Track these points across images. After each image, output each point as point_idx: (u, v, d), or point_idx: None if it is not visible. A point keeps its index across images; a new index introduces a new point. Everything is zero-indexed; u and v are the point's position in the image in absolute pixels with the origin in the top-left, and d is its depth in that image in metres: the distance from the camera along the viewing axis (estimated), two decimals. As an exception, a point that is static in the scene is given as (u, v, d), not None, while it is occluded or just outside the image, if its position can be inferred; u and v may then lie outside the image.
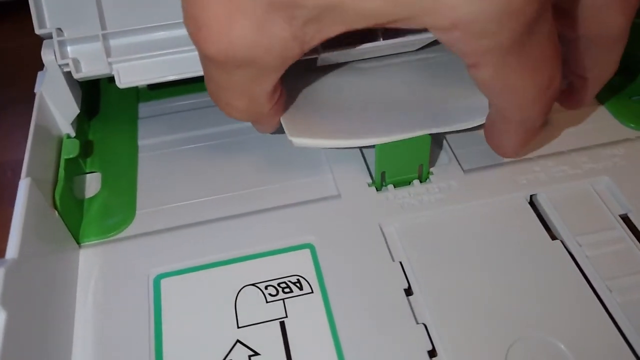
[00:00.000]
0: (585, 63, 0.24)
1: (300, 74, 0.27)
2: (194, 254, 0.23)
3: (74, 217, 0.24)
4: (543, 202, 0.25)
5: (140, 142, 0.28)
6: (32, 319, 0.18)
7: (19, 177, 0.20)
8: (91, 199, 0.26)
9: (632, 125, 0.28)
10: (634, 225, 0.24)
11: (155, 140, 0.29)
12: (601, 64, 0.24)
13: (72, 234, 0.23)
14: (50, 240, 0.22)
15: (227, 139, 0.29)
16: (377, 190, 0.26)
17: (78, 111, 0.25)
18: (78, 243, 0.24)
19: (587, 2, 0.21)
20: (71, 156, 0.24)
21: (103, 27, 0.24)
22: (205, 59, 0.20)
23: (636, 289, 0.22)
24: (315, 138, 0.24)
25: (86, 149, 0.28)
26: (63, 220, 0.23)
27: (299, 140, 0.24)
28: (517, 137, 0.24)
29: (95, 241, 0.24)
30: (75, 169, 0.26)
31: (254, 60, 0.19)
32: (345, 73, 0.28)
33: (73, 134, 0.26)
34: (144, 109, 0.30)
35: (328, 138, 0.24)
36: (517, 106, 0.21)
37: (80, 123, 0.27)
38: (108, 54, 0.24)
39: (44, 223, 0.21)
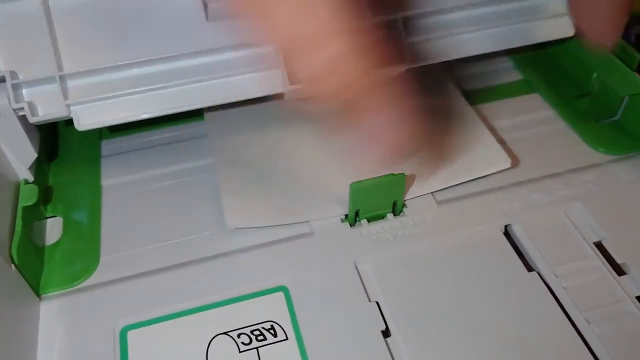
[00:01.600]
0: None
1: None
2: (161, 302, 0.22)
3: (33, 267, 0.23)
4: (518, 232, 0.25)
5: (104, 183, 0.27)
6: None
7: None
8: (52, 245, 0.25)
9: (602, 149, 0.28)
10: (609, 253, 0.24)
11: (119, 180, 0.27)
12: None
13: (31, 286, 0.22)
14: (7, 295, 0.20)
15: (194, 176, 0.28)
16: (350, 225, 0.25)
17: (36, 155, 0.24)
18: (38, 295, 0.23)
19: None
20: (29, 203, 0.23)
21: (60, 68, 0.23)
22: None
23: (614, 319, 0.22)
24: (254, 223, 0.24)
25: (47, 193, 0.26)
26: (21, 273, 0.21)
27: (238, 226, 0.24)
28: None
29: (57, 292, 0.23)
30: (34, 216, 0.24)
31: None
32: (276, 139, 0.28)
33: (31, 179, 0.25)
34: (106, 146, 0.29)
35: (267, 222, 0.25)
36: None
37: (40, 166, 0.26)
38: (65, 96, 0.23)
39: (2, 281, 0.20)
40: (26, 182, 0.24)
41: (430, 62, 0.27)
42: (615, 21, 0.23)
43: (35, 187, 0.24)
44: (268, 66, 0.24)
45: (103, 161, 0.28)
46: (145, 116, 0.24)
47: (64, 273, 0.24)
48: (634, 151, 0.28)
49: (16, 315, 0.21)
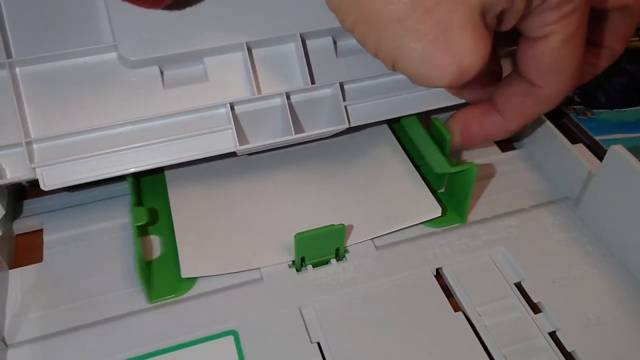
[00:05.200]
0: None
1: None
2: (118, 348, 0.24)
3: (146, 279, 0.26)
4: (448, 274, 0.28)
5: (47, 238, 0.29)
6: None
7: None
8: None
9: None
10: (527, 293, 0.27)
11: (62, 235, 0.29)
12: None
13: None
14: None
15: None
16: (297, 271, 0.27)
17: (4, 212, 0.26)
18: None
19: None
20: (141, 223, 0.27)
21: (26, 134, 0.25)
22: None
23: (529, 355, 0.24)
24: (207, 272, 0.27)
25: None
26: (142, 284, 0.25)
27: (191, 275, 0.26)
28: (531, 111, 0.27)
29: (22, 340, 0.25)
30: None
31: None
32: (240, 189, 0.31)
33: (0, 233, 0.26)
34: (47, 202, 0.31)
35: (219, 271, 0.27)
36: (558, 82, 0.25)
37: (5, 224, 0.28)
38: (31, 160, 0.25)
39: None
40: (135, 204, 0.28)
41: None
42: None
43: (144, 209, 0.27)
44: (220, 127, 0.27)
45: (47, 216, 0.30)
46: (105, 176, 0.26)
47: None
48: (451, 224, 0.30)
49: None
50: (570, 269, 0.28)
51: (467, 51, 0.21)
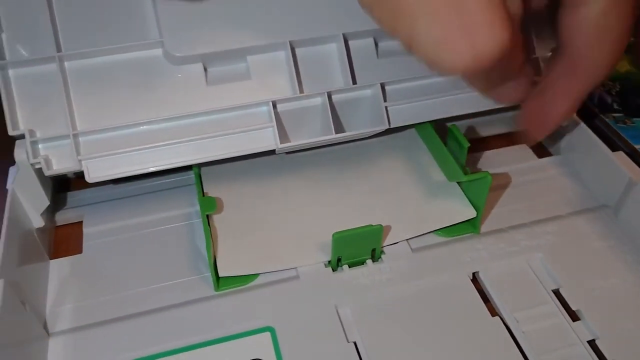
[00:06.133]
0: None
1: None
2: (155, 341, 0.25)
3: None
4: (484, 279, 0.27)
5: (86, 230, 0.30)
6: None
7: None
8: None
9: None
10: (565, 300, 0.27)
11: (102, 227, 0.30)
12: None
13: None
14: (22, 332, 0.23)
15: (180, 222, 0.30)
16: (333, 270, 0.28)
17: (48, 203, 0.27)
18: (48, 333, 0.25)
19: None
20: (210, 212, 0.27)
21: (73, 126, 0.25)
22: None
23: (568, 363, 0.24)
24: (244, 271, 0.27)
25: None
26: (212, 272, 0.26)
27: (228, 274, 0.26)
28: (576, 93, 0.25)
29: (63, 329, 0.25)
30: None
31: None
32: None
33: (42, 224, 0.27)
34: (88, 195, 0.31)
35: (255, 270, 0.27)
36: (605, 53, 0.23)
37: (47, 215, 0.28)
38: (78, 152, 0.25)
39: (17, 321, 0.22)
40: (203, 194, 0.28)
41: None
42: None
43: (213, 199, 0.28)
44: (261, 125, 0.27)
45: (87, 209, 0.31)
46: (149, 170, 0.26)
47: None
48: (463, 233, 0.29)
49: (30, 351, 0.23)
50: (609, 277, 0.27)
51: (482, 33, 0.19)
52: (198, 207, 0.30)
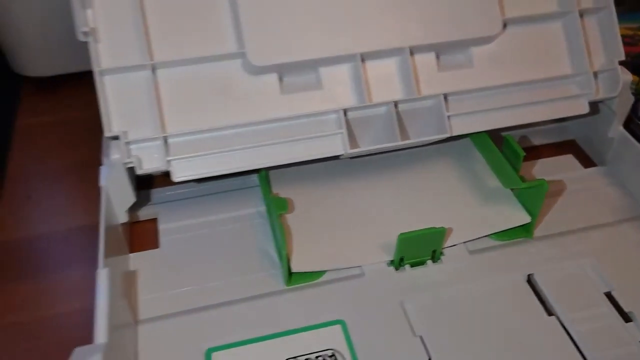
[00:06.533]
0: None
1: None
2: (234, 330, 0.26)
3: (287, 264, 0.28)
4: (539, 280, 0.29)
5: (161, 227, 0.32)
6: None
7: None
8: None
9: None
10: (617, 302, 0.28)
11: (176, 224, 0.32)
12: None
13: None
14: (120, 319, 0.25)
15: (243, 222, 0.32)
16: (395, 269, 0.29)
17: (134, 200, 0.29)
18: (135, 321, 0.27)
19: None
20: (283, 212, 0.29)
21: (163, 129, 0.27)
22: None
23: (623, 360, 0.26)
24: (315, 267, 0.29)
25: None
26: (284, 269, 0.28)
27: (301, 270, 0.28)
28: None
29: (152, 316, 0.27)
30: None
31: None
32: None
33: (126, 220, 0.29)
34: (160, 194, 0.33)
35: (324, 267, 0.29)
36: None
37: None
38: (167, 153, 0.27)
39: (119, 307, 0.24)
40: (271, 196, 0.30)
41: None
42: None
43: (285, 199, 0.30)
44: (331, 131, 0.29)
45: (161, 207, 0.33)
46: (229, 171, 0.28)
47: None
48: (517, 238, 0.31)
49: (126, 336, 0.25)
50: (658, 282, 0.29)
51: None
52: (260, 208, 0.32)
